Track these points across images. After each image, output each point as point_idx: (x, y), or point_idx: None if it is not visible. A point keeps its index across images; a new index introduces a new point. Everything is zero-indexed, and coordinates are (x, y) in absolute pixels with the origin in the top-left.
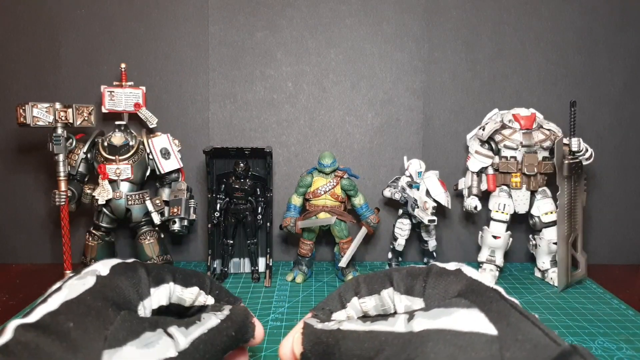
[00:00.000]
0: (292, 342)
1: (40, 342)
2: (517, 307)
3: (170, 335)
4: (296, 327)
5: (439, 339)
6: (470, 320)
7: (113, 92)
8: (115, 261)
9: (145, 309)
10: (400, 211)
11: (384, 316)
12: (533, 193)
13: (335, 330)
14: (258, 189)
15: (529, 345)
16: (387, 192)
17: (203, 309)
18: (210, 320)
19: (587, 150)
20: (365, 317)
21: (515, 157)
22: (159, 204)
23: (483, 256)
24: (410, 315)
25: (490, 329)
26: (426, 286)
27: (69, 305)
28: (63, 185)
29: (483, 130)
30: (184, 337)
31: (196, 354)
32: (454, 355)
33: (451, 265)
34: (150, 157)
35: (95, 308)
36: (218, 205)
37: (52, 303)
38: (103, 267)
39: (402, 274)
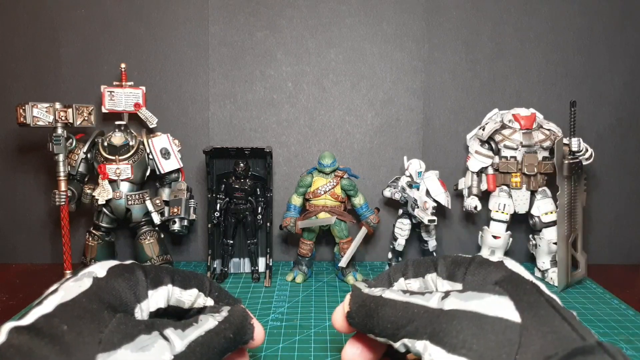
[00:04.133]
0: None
1: (33, 345)
2: (552, 302)
3: (166, 338)
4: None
5: (464, 319)
6: (498, 306)
7: (113, 92)
8: (112, 263)
9: (142, 311)
10: (400, 211)
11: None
12: (533, 193)
13: (378, 297)
14: (258, 189)
15: (551, 337)
16: (387, 192)
17: (202, 311)
18: (208, 322)
19: (587, 150)
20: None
21: (515, 157)
22: (159, 204)
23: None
24: (446, 294)
25: (514, 317)
26: (467, 273)
27: (64, 307)
28: (63, 185)
29: (483, 130)
30: (180, 339)
31: (193, 357)
32: (474, 335)
33: (495, 257)
34: (150, 157)
35: (91, 311)
36: (218, 205)
37: (47, 305)
38: (100, 268)
39: (447, 261)
